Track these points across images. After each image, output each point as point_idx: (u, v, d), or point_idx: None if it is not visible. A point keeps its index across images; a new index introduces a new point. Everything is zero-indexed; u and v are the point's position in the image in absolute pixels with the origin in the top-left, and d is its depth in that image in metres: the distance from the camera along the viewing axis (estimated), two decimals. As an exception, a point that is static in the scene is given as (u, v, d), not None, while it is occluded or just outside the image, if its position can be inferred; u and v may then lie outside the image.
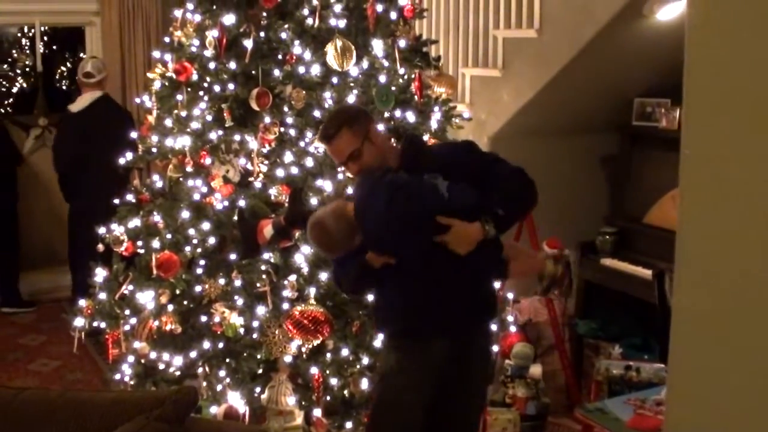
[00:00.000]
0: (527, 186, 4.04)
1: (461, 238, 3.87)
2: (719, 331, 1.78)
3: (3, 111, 10.01)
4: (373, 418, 4.34)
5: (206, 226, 5.26)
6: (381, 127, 5.21)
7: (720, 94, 1.73)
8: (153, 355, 5.33)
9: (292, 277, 5.09)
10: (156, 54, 5.95)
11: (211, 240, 5.27)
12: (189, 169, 5.39)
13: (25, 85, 10.52)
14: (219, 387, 5.20)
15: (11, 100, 10.58)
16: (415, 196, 3.91)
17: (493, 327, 5.61)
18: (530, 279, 6.31)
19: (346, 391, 5.16)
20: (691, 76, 1.77)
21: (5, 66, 10.47)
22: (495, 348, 5.59)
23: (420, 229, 3.89)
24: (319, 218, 4.05)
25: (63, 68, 10.66)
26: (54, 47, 10.51)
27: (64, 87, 10.68)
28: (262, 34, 5.30)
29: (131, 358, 5.48)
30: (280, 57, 5.30)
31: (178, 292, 5.31)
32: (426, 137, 5.45)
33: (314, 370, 5.07)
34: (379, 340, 4.88)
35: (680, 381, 1.89)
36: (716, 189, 1.75)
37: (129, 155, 5.88)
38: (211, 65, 5.35)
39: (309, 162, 5.16)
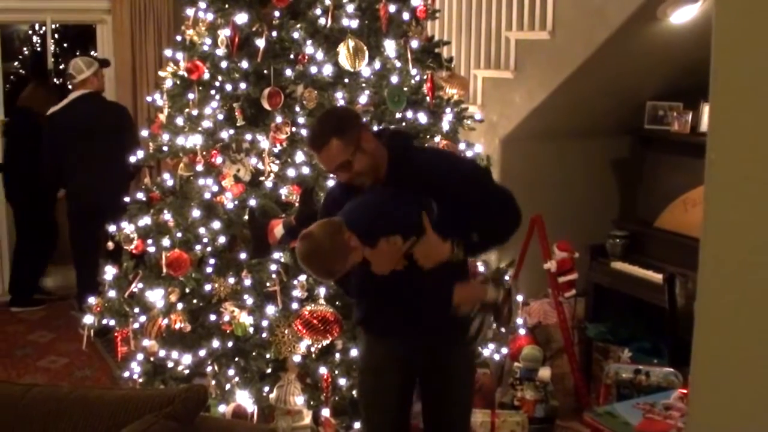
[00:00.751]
0: (513, 219, 3.92)
1: (429, 250, 3.75)
2: (744, 335, 1.76)
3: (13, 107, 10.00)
4: (359, 408, 4.46)
5: (216, 225, 5.26)
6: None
7: (747, 96, 1.71)
8: (162, 353, 5.34)
9: (302, 277, 5.09)
10: (168, 52, 5.96)
11: (222, 239, 5.27)
12: (200, 167, 5.39)
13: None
14: (228, 386, 5.20)
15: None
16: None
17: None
18: (541, 281, 6.32)
19: (354, 392, 5.15)
20: (718, 78, 1.75)
21: (16, 63, 10.49)
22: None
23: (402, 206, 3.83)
24: (308, 230, 3.92)
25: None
26: (65, 45, 10.52)
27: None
28: (274, 33, 5.29)
29: (140, 356, 5.49)
30: (292, 57, 5.30)
31: (187, 290, 5.31)
32: (437, 139, 5.46)
33: (323, 370, 5.07)
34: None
35: (703, 386, 1.87)
36: (742, 192, 1.74)
37: (140, 153, 5.91)
38: (223, 64, 5.35)
39: (320, 162, 5.16)
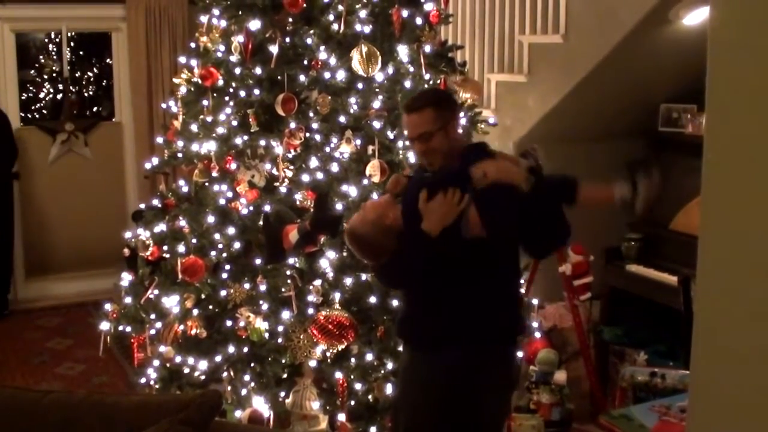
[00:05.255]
0: None
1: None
2: (741, 337, 1.77)
3: (30, 116, 10.07)
4: (391, 418, 4.39)
5: (231, 230, 5.28)
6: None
7: (743, 98, 1.72)
8: (178, 359, 5.35)
9: (317, 282, 5.10)
10: (182, 59, 5.98)
11: (237, 245, 5.29)
12: (214, 174, 5.41)
13: (52, 90, 10.58)
14: (244, 391, 5.21)
15: (38, 105, 10.64)
16: None
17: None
18: (556, 285, 6.31)
19: (370, 396, 5.16)
20: (714, 80, 1.76)
21: (32, 72, 10.53)
22: (518, 355, 5.56)
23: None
24: (352, 229, 4.04)
25: (90, 74, 10.72)
26: (81, 53, 10.56)
27: (90, 92, 10.74)
28: (287, 39, 5.31)
29: (157, 362, 5.51)
30: (305, 62, 5.31)
31: (203, 296, 5.33)
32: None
33: (339, 375, 5.07)
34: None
35: (702, 388, 1.88)
36: (739, 194, 1.75)
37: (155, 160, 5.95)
38: (237, 70, 5.37)
39: (334, 167, 5.18)
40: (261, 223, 5.12)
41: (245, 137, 5.33)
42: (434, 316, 3.99)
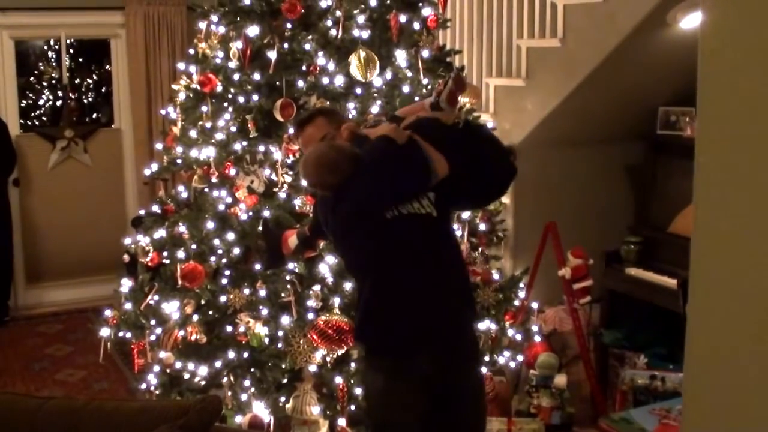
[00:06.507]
0: None
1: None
2: (734, 339, 1.77)
3: (29, 123, 10.09)
4: None
5: (231, 236, 5.28)
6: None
7: (734, 102, 1.73)
8: (178, 364, 5.35)
9: (317, 287, 5.10)
10: (181, 66, 6.00)
11: (236, 250, 5.29)
12: (214, 179, 5.42)
13: (51, 97, 10.60)
14: (244, 397, 5.22)
15: (38, 112, 10.66)
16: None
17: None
18: (556, 288, 6.32)
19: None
20: (705, 84, 1.77)
21: (32, 79, 10.55)
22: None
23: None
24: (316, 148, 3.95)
25: (89, 80, 10.73)
26: (80, 60, 10.58)
27: (90, 99, 10.75)
28: (285, 45, 5.32)
29: (157, 368, 5.51)
30: (303, 68, 5.32)
31: (203, 302, 5.33)
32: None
33: (339, 380, 5.07)
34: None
35: (696, 390, 1.89)
36: (732, 196, 1.75)
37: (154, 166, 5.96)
38: (236, 76, 5.38)
39: (333, 172, 5.17)
40: (260, 228, 5.13)
41: (244, 143, 5.34)
42: (402, 311, 3.84)
